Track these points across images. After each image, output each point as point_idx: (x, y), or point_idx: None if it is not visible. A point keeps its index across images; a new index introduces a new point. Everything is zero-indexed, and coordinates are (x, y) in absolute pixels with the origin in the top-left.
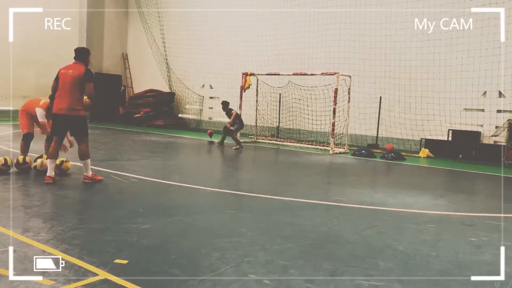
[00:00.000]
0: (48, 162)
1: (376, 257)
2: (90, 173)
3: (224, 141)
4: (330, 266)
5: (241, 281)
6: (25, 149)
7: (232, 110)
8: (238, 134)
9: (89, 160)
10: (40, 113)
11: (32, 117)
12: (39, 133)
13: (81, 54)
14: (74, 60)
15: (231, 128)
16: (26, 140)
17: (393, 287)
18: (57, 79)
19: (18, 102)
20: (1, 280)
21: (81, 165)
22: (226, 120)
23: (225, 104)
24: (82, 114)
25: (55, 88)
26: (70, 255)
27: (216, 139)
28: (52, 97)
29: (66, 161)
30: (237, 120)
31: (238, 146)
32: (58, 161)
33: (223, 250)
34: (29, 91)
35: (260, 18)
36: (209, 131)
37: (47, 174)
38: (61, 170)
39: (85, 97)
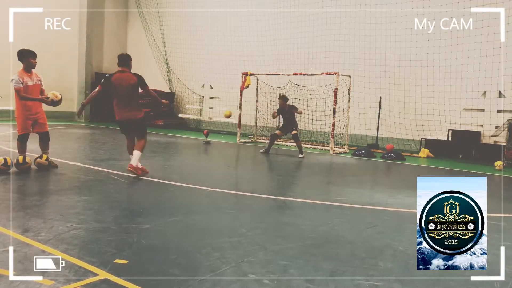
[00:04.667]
0: (134, 155)
1: (376, 257)
2: (135, 163)
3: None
4: (330, 266)
5: (241, 281)
6: (22, 149)
7: (293, 107)
8: (238, 133)
9: (140, 153)
10: (14, 79)
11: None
12: (34, 133)
13: (126, 60)
14: (118, 67)
15: (295, 131)
16: (22, 140)
17: (393, 287)
18: (106, 84)
19: None
20: (1, 280)
21: (80, 164)
22: (227, 120)
23: (284, 100)
24: (142, 116)
25: (99, 92)
26: (70, 255)
27: (211, 138)
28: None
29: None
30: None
31: (302, 156)
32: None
33: (223, 250)
34: None
35: (260, 18)
36: (205, 131)
37: (131, 162)
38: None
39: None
